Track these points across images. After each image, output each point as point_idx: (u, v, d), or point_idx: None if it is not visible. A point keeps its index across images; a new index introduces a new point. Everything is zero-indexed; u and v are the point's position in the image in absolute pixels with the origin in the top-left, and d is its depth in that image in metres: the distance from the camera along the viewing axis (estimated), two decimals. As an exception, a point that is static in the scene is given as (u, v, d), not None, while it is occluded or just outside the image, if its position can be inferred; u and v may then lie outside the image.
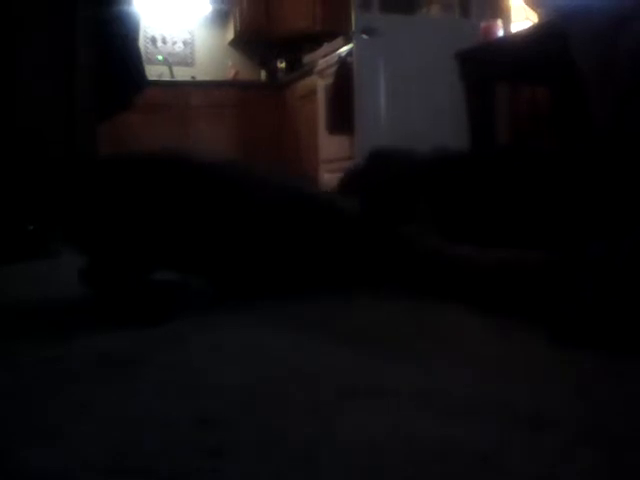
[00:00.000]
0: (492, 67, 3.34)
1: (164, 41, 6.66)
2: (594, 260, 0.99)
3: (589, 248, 1.03)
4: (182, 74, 6.58)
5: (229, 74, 6.71)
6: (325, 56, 5.11)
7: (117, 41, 2.38)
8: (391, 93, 4.36)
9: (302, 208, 1.39)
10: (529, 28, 3.47)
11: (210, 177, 1.36)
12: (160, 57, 6.58)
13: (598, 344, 0.91)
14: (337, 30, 5.30)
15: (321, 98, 5.04)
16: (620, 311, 0.92)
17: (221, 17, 6.80)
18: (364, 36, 4.30)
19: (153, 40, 6.59)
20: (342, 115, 4.47)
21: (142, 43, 6.06)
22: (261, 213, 1.34)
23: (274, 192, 1.39)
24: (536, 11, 3.76)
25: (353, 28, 4.36)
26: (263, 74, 6.84)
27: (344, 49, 4.65)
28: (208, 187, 1.33)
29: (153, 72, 5.98)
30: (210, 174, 1.37)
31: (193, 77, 6.57)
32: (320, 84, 5.10)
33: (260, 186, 1.39)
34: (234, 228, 1.32)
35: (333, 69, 4.72)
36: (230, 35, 6.73)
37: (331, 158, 4.92)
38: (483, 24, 4.07)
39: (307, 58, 5.84)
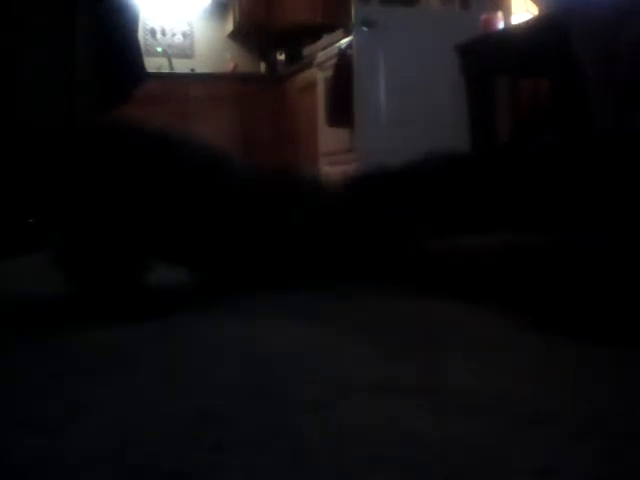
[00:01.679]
0: (492, 59, 3.34)
1: (163, 33, 6.65)
2: (578, 249, 1.00)
3: (572, 236, 1.03)
4: (181, 66, 6.57)
5: (228, 66, 6.70)
6: (325, 48, 5.10)
7: (116, 33, 2.37)
8: (391, 85, 4.35)
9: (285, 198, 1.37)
10: (529, 20, 3.46)
11: (191, 157, 1.31)
12: (159, 49, 6.57)
13: (586, 335, 0.91)
14: (337, 22, 5.29)
15: (321, 91, 5.03)
16: (605, 302, 0.93)
17: (220, 9, 6.79)
18: (364, 28, 4.29)
19: (152, 32, 6.57)
20: (342, 108, 4.46)
21: (141, 35, 6.05)
22: (245, 200, 1.31)
23: (256, 178, 1.36)
24: (537, 3, 3.75)
25: (353, 20, 4.35)
26: (262, 66, 6.83)
27: (344, 41, 4.64)
28: (190, 167, 1.28)
29: (152, 64, 5.98)
30: (190, 154, 1.32)
31: (192, 69, 6.56)
32: (320, 77, 5.09)
33: (243, 173, 1.36)
34: (219, 215, 1.29)
35: (333, 61, 4.71)
36: (229, 27, 6.72)
37: (331, 151, 4.91)
38: (483, 16, 4.07)
39: (307, 50, 5.83)
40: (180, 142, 1.33)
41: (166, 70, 6.40)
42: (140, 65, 2.53)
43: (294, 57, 6.27)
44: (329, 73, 4.72)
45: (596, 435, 0.62)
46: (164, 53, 6.52)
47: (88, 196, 1.19)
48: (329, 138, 4.88)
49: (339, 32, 4.97)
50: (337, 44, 4.73)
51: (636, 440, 0.61)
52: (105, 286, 1.19)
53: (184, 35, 6.72)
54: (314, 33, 5.82)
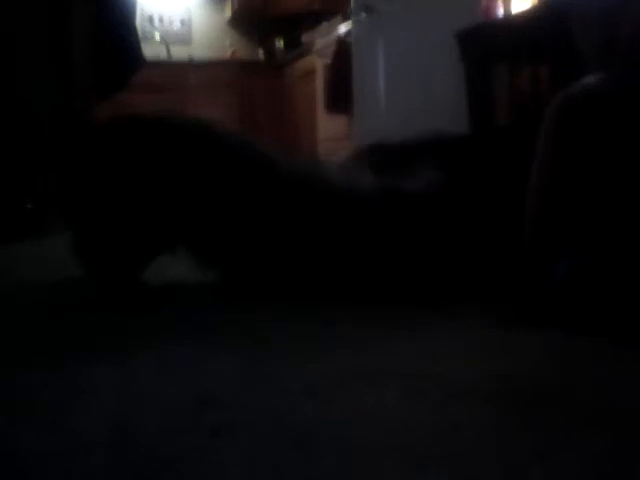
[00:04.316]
0: (492, 47, 3.32)
1: (161, 20, 6.61)
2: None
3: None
4: (179, 53, 6.54)
5: (227, 53, 6.67)
6: (324, 35, 5.07)
7: (114, 20, 2.36)
8: (390, 72, 4.33)
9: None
10: (530, 8, 3.44)
11: (229, 150, 1.24)
12: (157, 36, 6.53)
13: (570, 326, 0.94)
14: (336, 9, 5.26)
15: (319, 77, 5.01)
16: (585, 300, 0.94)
17: (218, -5, 6.75)
18: (363, 15, 4.27)
19: (150, 19, 6.53)
20: (340, 94, 4.45)
21: (139, 22, 6.00)
22: (282, 195, 1.21)
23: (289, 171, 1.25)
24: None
25: (352, 7, 4.33)
26: (261, 53, 6.79)
27: (343, 28, 4.62)
28: (226, 161, 1.21)
29: (150, 51, 5.93)
30: (228, 147, 1.25)
31: (191, 56, 6.53)
32: (319, 63, 5.06)
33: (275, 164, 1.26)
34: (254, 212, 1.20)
35: (332, 48, 4.68)
36: (228, 14, 6.68)
37: (330, 137, 4.90)
38: (483, 4, 4.04)
39: (305, 37, 5.80)
40: (211, 133, 1.28)
41: (164, 57, 6.37)
42: (138, 52, 2.52)
43: (293, 44, 6.23)
44: (328, 60, 4.70)
45: (597, 423, 0.62)
46: (162, 40, 6.48)
47: (103, 191, 1.19)
48: (328, 124, 4.85)
49: (338, 18, 4.93)
50: (336, 31, 4.71)
51: (636, 439, 0.61)
52: (108, 278, 1.19)
53: (182, 22, 6.67)
54: (313, 20, 5.79)
